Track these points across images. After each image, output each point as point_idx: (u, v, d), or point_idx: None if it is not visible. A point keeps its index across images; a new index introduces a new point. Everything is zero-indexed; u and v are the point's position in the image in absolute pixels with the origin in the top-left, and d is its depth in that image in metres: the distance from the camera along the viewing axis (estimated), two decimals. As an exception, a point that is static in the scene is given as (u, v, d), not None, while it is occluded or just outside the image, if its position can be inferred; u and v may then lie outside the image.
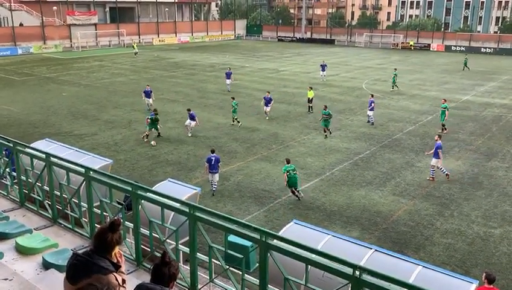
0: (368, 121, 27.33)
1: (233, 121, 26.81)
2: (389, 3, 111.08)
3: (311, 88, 30.93)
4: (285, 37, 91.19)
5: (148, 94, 29.23)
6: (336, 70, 49.85)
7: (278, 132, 25.38)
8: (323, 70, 42.05)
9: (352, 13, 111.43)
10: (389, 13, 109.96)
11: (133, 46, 63.21)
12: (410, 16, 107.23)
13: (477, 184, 18.40)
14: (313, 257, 5.58)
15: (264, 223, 14.65)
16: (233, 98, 27.53)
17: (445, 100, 26.29)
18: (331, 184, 18.17)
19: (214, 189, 17.11)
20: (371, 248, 9.09)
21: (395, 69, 39.71)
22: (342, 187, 17.88)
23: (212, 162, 16.75)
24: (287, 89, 38.52)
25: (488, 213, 15.80)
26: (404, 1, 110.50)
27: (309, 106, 30.16)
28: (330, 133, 24.54)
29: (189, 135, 24.29)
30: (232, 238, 9.48)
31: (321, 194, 17.21)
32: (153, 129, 23.31)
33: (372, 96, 28.44)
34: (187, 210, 6.65)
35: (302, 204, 16.29)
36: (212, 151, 17.11)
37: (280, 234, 8.65)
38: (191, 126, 24.32)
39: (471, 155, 22.01)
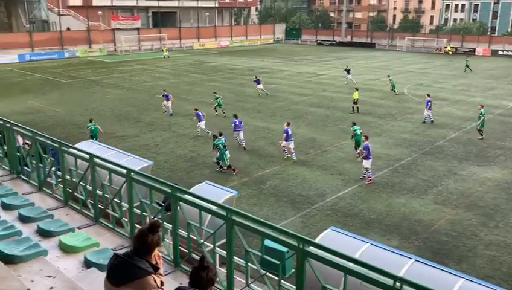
0: (424, 121, 28.01)
1: (215, 111, 29.61)
2: (433, 7, 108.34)
3: (356, 89, 31.33)
4: (324, 40, 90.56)
5: (167, 98, 30.16)
6: (377, 74, 49.03)
7: (315, 137, 25.18)
8: (348, 73, 42.77)
9: (394, 17, 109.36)
10: (432, 17, 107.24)
11: (162, 50, 66.00)
12: (455, 20, 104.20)
13: (525, 195, 17.60)
14: (351, 265, 5.47)
15: (301, 228, 14.54)
16: (215, 93, 30.82)
17: (482, 106, 25.56)
18: (370, 191, 17.84)
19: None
20: (411, 258, 8.84)
21: (389, 76, 39.56)
22: (382, 194, 17.51)
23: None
24: (326, 93, 38.21)
25: (536, 225, 15.08)
26: (449, 4, 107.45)
27: (353, 107, 30.63)
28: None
29: (198, 134, 25.01)
30: (268, 243, 9.45)
31: (359, 201, 16.92)
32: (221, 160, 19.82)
33: (429, 95, 28.40)
34: (224, 214, 6.67)
35: (340, 211, 16.08)
36: (220, 134, 20.06)
37: (317, 240, 8.55)
38: (203, 127, 24.89)
39: (518, 164, 21.11)
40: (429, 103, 27.74)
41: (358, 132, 21.82)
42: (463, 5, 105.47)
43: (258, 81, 36.81)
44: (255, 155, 22.10)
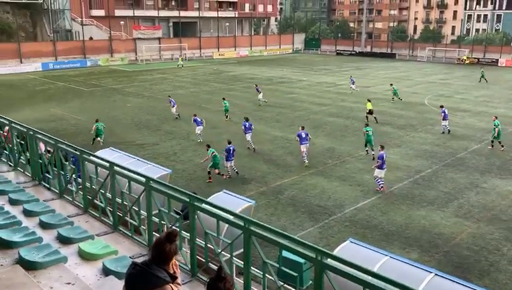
0: (443, 132, 28.02)
1: (226, 118, 31.06)
2: (454, 17, 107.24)
3: (369, 100, 31.59)
4: (344, 50, 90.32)
5: (173, 104, 31.93)
6: (397, 84, 48.48)
7: (334, 147, 25.04)
8: (353, 83, 43.58)
9: (415, 27, 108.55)
10: (453, 27, 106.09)
11: (178, 59, 68.35)
12: (477, 30, 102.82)
13: (550, 209, 17.15)
14: (370, 279, 5.39)
15: (319, 239, 14.42)
16: (224, 99, 32.30)
17: (496, 117, 25.60)
18: (390, 203, 17.61)
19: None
20: (431, 272, 8.69)
21: (391, 84, 40.23)
22: (401, 206, 17.27)
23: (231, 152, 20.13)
24: (345, 103, 38.03)
25: (562, 241, 14.65)
26: (471, 14, 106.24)
27: (367, 116, 30.52)
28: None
29: (200, 140, 25.57)
30: (286, 253, 9.40)
31: (379, 212, 16.71)
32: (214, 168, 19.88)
33: (442, 106, 28.74)
34: (242, 224, 6.65)
35: (359, 222, 15.90)
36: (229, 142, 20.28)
37: (335, 252, 8.47)
38: (199, 132, 25.90)
39: (543, 177, 20.59)
40: (442, 114, 27.97)
41: (370, 132, 23.14)
42: (485, 16, 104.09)
43: (258, 90, 37.45)
44: (273, 165, 22.07)
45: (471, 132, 28.55)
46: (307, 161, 21.76)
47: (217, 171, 19.86)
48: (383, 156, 18.68)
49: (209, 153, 19.74)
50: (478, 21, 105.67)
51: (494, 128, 24.86)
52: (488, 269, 12.99)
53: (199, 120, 25.99)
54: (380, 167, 18.59)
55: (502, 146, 24.69)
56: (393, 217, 16.32)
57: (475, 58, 74.47)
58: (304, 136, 21.78)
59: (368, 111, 30.75)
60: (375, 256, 9.05)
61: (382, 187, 18.63)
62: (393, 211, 16.85)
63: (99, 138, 24.46)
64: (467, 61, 73.01)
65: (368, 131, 23.22)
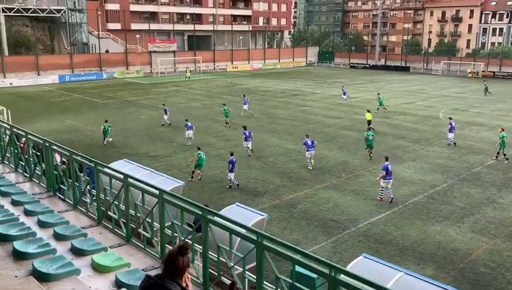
0: (449, 144, 28.12)
1: (225, 124, 32.85)
2: (469, 30, 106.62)
3: (368, 111, 32.48)
4: (357, 63, 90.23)
5: (166, 112, 33.92)
6: (411, 98, 48.36)
7: (347, 160, 24.89)
8: (344, 94, 44.82)
9: (429, 40, 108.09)
10: (468, 40, 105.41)
11: (186, 71, 69.39)
12: (492, 43, 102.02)
13: None
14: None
15: (332, 254, 14.28)
16: (224, 104, 34.20)
17: (502, 129, 25.60)
18: (404, 217, 17.39)
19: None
20: (447, 289, 8.53)
21: (379, 94, 41.31)
22: (416, 221, 17.04)
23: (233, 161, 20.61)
24: (358, 116, 37.83)
25: None
26: (486, 28, 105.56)
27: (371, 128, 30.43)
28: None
29: (189, 144, 27.23)
30: (298, 268, 9.30)
31: (393, 227, 16.51)
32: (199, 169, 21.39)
33: (450, 118, 28.90)
34: (255, 238, 6.62)
35: (373, 237, 15.71)
36: (232, 154, 20.77)
37: (348, 268, 8.36)
38: (190, 136, 27.63)
39: (562, 193, 20.18)
40: (449, 126, 28.14)
41: (371, 137, 24.46)
42: (501, 29, 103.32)
43: (245, 102, 37.87)
44: (285, 178, 22.00)
45: (487, 146, 28.15)
46: (310, 167, 22.99)
47: (198, 172, 20.94)
48: (388, 166, 18.88)
49: (195, 154, 20.91)
50: (494, 34, 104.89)
51: (503, 140, 24.83)
52: (505, 287, 12.71)
53: (189, 125, 27.54)
54: (385, 178, 18.78)
55: (496, 157, 25.20)
56: (407, 232, 16.10)
57: (490, 71, 73.82)
58: (310, 143, 22.92)
59: (367, 121, 31.38)
60: (390, 272, 8.92)
61: (381, 198, 18.98)
62: (408, 226, 16.63)
63: (106, 137, 27.43)
64: (469, 74, 72.77)
65: (368, 135, 24.46)
